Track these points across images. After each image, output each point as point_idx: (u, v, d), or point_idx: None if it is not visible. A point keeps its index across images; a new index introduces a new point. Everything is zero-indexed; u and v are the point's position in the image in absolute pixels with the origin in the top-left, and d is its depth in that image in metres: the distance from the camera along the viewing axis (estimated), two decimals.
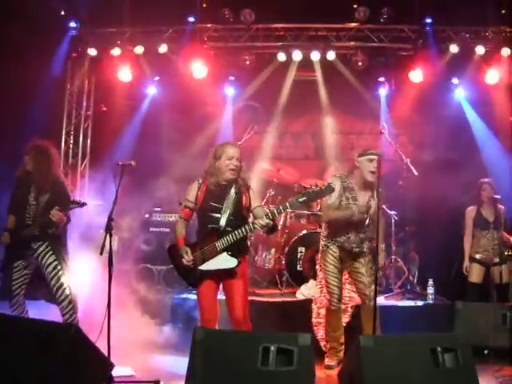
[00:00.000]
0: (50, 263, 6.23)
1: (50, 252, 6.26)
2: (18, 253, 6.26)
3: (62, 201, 6.30)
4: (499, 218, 8.08)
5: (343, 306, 6.79)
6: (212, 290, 5.54)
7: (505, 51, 9.68)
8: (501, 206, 8.15)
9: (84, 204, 6.23)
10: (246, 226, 5.37)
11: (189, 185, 5.73)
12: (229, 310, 5.54)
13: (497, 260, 7.98)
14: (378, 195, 6.14)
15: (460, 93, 10.48)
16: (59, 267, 6.24)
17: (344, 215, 6.26)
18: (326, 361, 6.50)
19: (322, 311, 6.99)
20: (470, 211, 8.18)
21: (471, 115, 10.34)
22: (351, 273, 6.50)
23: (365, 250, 6.40)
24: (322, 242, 6.59)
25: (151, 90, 10.85)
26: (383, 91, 10.67)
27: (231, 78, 10.73)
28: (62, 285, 6.22)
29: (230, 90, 10.92)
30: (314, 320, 7.15)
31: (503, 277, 7.92)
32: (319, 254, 6.73)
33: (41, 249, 6.25)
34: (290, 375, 4.25)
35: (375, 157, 6.21)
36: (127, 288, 7.44)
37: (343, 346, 6.53)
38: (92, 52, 10.26)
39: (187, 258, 5.45)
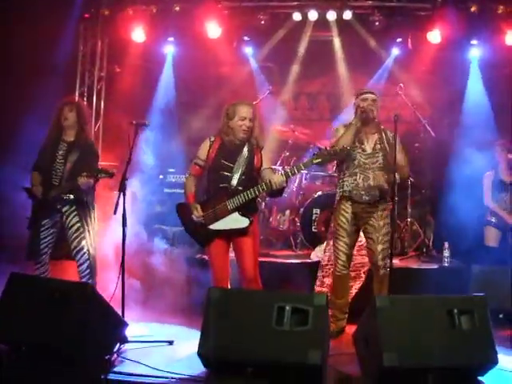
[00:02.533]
0: (73, 224, 6.22)
1: (75, 213, 6.23)
2: (45, 211, 6.20)
3: (91, 164, 6.26)
4: None
5: (353, 273, 6.68)
6: (223, 249, 5.53)
7: None
8: None
9: (113, 174, 6.10)
10: (258, 186, 5.32)
11: (202, 143, 5.68)
12: (239, 269, 5.54)
13: None
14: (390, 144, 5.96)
15: (475, 54, 10.26)
16: (82, 229, 6.22)
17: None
18: None
19: (327, 280, 6.91)
20: (489, 175, 8.12)
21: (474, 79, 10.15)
22: (364, 235, 6.18)
23: (378, 198, 5.97)
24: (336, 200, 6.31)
25: (168, 49, 10.73)
26: (401, 52, 10.48)
27: (246, 38, 10.59)
28: (82, 248, 6.20)
29: (244, 51, 10.80)
30: (316, 288, 7.00)
31: None
32: (332, 216, 6.50)
33: (65, 209, 6.22)
34: (305, 335, 4.25)
35: (368, 95, 6.02)
36: (142, 250, 7.47)
37: (346, 316, 6.23)
38: (105, 12, 10.11)
39: (197, 213, 5.42)
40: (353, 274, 6.66)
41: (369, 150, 6.00)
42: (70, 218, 6.23)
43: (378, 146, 6.03)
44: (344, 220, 6.07)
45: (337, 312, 6.19)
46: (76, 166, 6.16)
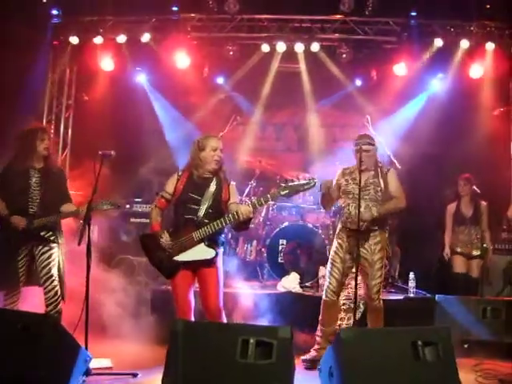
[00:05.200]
0: (45, 251, 6.03)
1: (47, 240, 6.04)
2: (22, 240, 5.99)
3: (65, 191, 6.20)
4: (478, 213, 8.16)
5: (349, 305, 6.92)
6: (188, 281, 5.48)
7: (489, 45, 9.69)
8: (482, 202, 8.22)
9: (119, 206, 6.07)
10: (225, 217, 5.32)
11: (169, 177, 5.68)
12: (203, 301, 5.49)
13: (476, 253, 8.08)
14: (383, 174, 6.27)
15: (437, 86, 10.52)
16: (53, 257, 6.07)
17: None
18: (305, 355, 6.29)
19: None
20: (451, 208, 8.33)
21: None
22: (360, 267, 6.21)
23: (371, 228, 6.18)
24: None
25: (138, 78, 10.81)
26: (368, 84, 10.63)
27: (209, 68, 10.69)
28: (52, 275, 6.03)
29: (213, 81, 10.87)
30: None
31: (475, 271, 8.19)
32: None
33: (42, 233, 6.02)
34: (269, 368, 4.22)
35: (365, 146, 6.16)
36: (107, 279, 7.38)
37: None
38: (74, 40, 10.11)
39: (165, 238, 5.40)
40: (350, 305, 6.85)
41: (362, 183, 6.11)
42: (41, 245, 6.11)
43: (371, 181, 6.27)
44: (339, 247, 6.30)
45: (322, 340, 6.27)
46: (50, 193, 6.03)
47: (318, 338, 6.31)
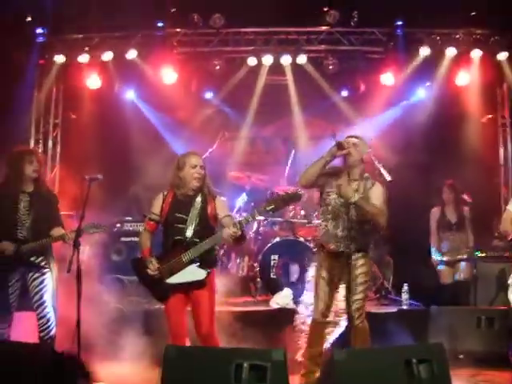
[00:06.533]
0: (37, 277, 5.96)
1: (39, 266, 5.96)
2: (12, 266, 5.90)
3: (55, 215, 6.13)
4: (463, 219, 8.21)
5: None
6: (180, 304, 5.42)
7: (475, 53, 9.72)
8: (465, 207, 8.28)
9: (106, 229, 6.02)
10: (213, 236, 5.28)
11: (154, 197, 5.64)
12: (195, 325, 5.44)
13: (461, 256, 8.14)
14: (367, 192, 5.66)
15: (424, 94, 10.58)
16: (46, 282, 6.00)
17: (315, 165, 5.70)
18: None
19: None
20: (434, 212, 8.37)
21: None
22: (343, 283, 5.80)
23: (353, 251, 5.60)
24: None
25: (126, 95, 10.77)
26: (355, 94, 10.66)
27: (197, 83, 10.70)
28: (44, 302, 5.94)
29: (201, 96, 10.85)
30: None
31: (463, 273, 8.25)
32: None
33: (32, 259, 5.94)
34: None
35: (350, 139, 5.75)
36: (98, 300, 7.33)
37: (319, 368, 5.68)
38: (60, 59, 10.04)
39: (152, 267, 5.34)
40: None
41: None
42: (34, 271, 6.04)
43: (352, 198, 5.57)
44: (322, 268, 5.83)
45: (309, 363, 5.81)
46: (40, 217, 5.94)
47: (304, 361, 5.90)
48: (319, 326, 5.92)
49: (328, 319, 5.98)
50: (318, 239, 6.01)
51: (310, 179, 5.76)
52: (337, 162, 5.82)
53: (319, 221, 6.05)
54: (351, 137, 5.83)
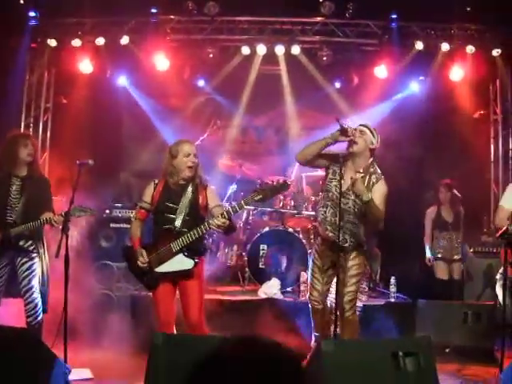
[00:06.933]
0: (25, 262, 5.90)
1: (28, 250, 5.91)
2: (0, 250, 5.85)
3: (47, 199, 6.05)
4: (459, 219, 8.22)
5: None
6: (168, 292, 5.40)
7: (469, 48, 9.71)
8: (461, 207, 8.29)
9: (93, 212, 5.92)
10: (202, 226, 5.26)
11: (146, 186, 5.59)
12: (183, 314, 5.42)
13: (457, 257, 8.15)
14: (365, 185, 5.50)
15: (417, 88, 10.55)
16: (34, 267, 5.93)
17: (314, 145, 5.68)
18: None
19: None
20: (430, 212, 8.36)
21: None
22: (336, 274, 5.76)
23: (347, 244, 5.64)
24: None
25: (118, 81, 10.68)
26: (348, 86, 10.63)
27: (189, 71, 10.62)
28: (32, 287, 5.89)
29: (193, 83, 10.79)
30: None
31: (457, 273, 8.32)
32: None
33: (20, 243, 5.89)
34: None
35: (359, 126, 5.68)
36: (86, 286, 7.30)
37: None
38: (52, 43, 9.96)
39: (142, 259, 5.32)
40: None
41: (344, 187, 5.56)
42: (22, 256, 5.99)
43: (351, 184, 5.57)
44: (317, 256, 5.88)
45: None
46: (31, 202, 5.88)
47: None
48: (318, 312, 5.91)
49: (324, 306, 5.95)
50: (316, 226, 6.03)
51: (306, 157, 5.77)
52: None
53: (318, 206, 6.04)
54: (362, 125, 5.74)
